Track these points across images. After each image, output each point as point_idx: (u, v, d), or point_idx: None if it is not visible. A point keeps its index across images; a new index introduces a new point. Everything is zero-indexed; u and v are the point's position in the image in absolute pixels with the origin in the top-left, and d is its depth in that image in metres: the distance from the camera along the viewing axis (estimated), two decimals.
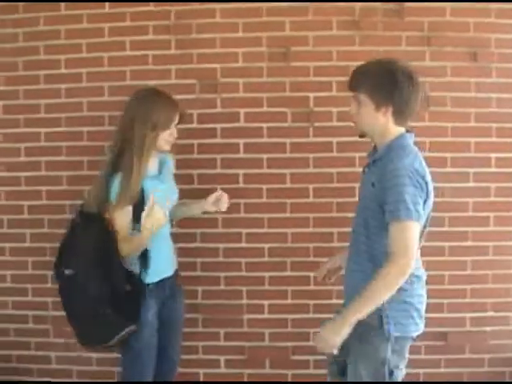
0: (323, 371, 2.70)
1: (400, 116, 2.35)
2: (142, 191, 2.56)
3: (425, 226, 2.37)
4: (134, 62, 3.36)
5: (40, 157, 3.45)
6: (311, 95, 3.32)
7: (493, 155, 3.33)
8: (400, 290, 2.27)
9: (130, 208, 2.56)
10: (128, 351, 2.69)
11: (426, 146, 3.30)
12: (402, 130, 2.39)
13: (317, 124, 3.33)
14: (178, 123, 2.68)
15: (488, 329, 3.41)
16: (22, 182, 3.47)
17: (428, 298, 3.18)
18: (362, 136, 2.49)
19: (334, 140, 3.33)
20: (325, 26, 3.30)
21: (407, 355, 2.42)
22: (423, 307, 2.44)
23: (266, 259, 3.37)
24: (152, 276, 2.66)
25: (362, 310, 2.23)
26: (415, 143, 2.41)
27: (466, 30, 3.28)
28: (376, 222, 2.33)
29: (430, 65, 3.28)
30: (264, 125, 3.35)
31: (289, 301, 3.40)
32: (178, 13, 3.32)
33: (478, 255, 3.37)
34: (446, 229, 3.33)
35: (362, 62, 2.96)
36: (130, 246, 2.57)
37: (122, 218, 2.56)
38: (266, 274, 3.36)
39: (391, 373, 2.35)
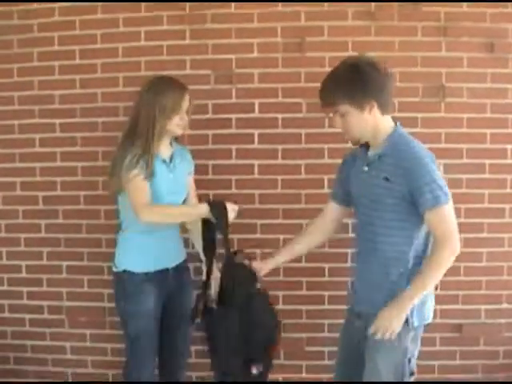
0: None
1: (384, 106, 2.35)
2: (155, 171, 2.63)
3: None
4: (148, 52, 3.35)
5: (55, 148, 3.45)
6: None
7: (509, 146, 3.31)
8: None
9: (147, 183, 2.60)
10: (127, 339, 2.77)
11: (442, 137, 3.29)
12: (390, 120, 2.40)
13: (331, 115, 3.30)
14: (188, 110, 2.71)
15: (503, 321, 3.40)
16: (36, 173, 3.47)
17: (443, 289, 3.21)
18: (356, 144, 2.47)
19: None
20: (340, 16, 3.28)
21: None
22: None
23: None
24: (151, 264, 2.72)
25: (418, 296, 2.29)
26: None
27: (482, 21, 3.25)
28: (393, 215, 2.33)
29: (446, 55, 3.26)
30: (279, 115, 3.34)
31: (303, 292, 3.40)
32: (192, 3, 3.31)
33: (494, 247, 3.36)
34: (461, 220, 3.26)
35: (377, 53, 3.01)
36: (161, 212, 2.65)
37: (139, 186, 2.58)
38: (281, 265, 3.36)
39: (409, 361, 2.38)
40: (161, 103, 2.60)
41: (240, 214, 3.33)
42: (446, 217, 2.27)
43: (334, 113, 2.39)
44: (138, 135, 2.62)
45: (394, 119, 2.43)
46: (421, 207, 2.26)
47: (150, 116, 2.60)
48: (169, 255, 2.81)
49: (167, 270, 2.78)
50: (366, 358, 2.41)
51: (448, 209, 2.27)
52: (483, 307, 3.40)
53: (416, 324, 2.35)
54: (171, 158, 2.76)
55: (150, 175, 2.60)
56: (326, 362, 3.36)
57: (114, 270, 2.79)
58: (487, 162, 3.31)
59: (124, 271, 2.72)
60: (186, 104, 2.67)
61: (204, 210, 2.62)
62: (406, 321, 2.31)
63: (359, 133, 2.38)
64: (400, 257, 2.35)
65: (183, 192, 2.83)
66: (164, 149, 2.73)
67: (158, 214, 2.64)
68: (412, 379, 2.42)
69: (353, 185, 2.53)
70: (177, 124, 2.67)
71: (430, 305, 2.45)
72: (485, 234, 3.34)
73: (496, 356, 3.43)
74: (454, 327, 3.39)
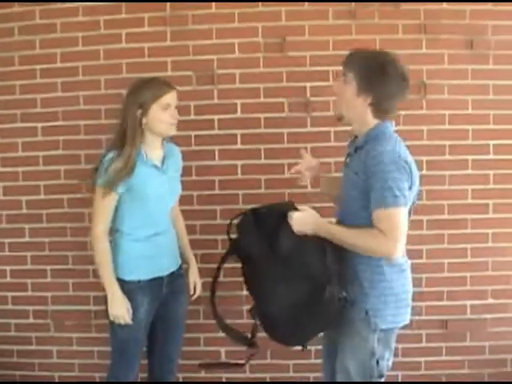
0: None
1: (378, 109, 2.33)
2: (135, 175, 2.55)
3: (412, 203, 2.36)
4: (130, 54, 3.34)
5: (37, 151, 3.44)
6: (308, 85, 3.32)
7: (491, 142, 3.33)
8: (383, 282, 2.32)
9: (116, 197, 2.57)
10: (114, 343, 2.74)
11: (424, 134, 3.31)
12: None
13: (314, 114, 3.33)
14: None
15: (488, 316, 3.41)
16: (19, 177, 3.46)
17: (428, 286, 3.22)
18: (339, 119, 2.45)
19: (332, 129, 3.32)
20: (321, 15, 3.29)
21: (393, 346, 2.42)
22: (409, 296, 2.43)
23: None
24: (144, 273, 2.66)
25: (333, 239, 2.29)
26: (395, 131, 2.40)
27: (462, 18, 3.27)
28: (353, 212, 2.35)
29: (427, 52, 3.28)
30: (261, 115, 3.34)
31: None
32: (173, 4, 3.31)
33: (478, 243, 3.37)
34: (445, 216, 3.34)
35: None
36: (96, 253, 2.63)
37: (103, 202, 2.57)
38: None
39: (377, 363, 2.36)
40: (139, 98, 2.55)
41: (223, 214, 3.37)
42: (391, 219, 2.21)
43: (343, 74, 2.37)
44: (124, 136, 2.57)
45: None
46: (370, 206, 2.25)
47: (133, 113, 2.54)
48: (164, 263, 2.73)
49: (161, 278, 2.71)
50: (337, 357, 2.43)
51: (396, 212, 2.21)
52: (468, 303, 3.41)
53: (382, 326, 2.32)
54: (163, 160, 2.70)
55: (129, 172, 2.53)
56: (313, 360, 3.36)
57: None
58: (470, 158, 3.33)
59: (116, 279, 2.63)
60: (173, 101, 2.61)
61: (113, 294, 2.60)
62: (368, 321, 2.31)
63: (344, 108, 2.39)
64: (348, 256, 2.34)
65: (178, 191, 2.80)
66: (155, 151, 2.67)
67: (95, 251, 2.63)
68: (382, 380, 2.40)
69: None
70: (169, 123, 2.60)
71: (403, 309, 2.40)
72: (469, 230, 3.36)
73: (482, 351, 3.44)
74: (440, 323, 3.39)
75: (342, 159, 3.25)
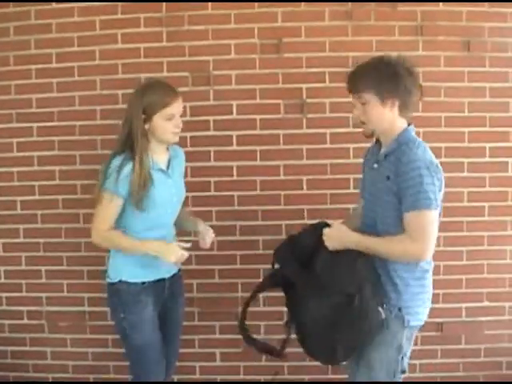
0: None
1: (405, 108, 2.38)
2: (152, 180, 2.50)
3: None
4: (125, 55, 3.34)
5: (32, 152, 3.43)
6: (304, 86, 3.31)
7: (487, 145, 3.32)
8: (416, 280, 2.40)
9: (122, 201, 2.51)
10: (132, 352, 2.66)
11: (420, 136, 3.27)
12: (405, 122, 2.43)
13: (310, 115, 3.32)
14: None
15: (483, 319, 3.41)
16: (14, 178, 3.45)
17: None
18: (368, 136, 2.50)
19: (328, 131, 3.32)
20: (317, 16, 3.28)
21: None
22: (431, 296, 2.53)
23: (260, 251, 3.36)
24: (150, 274, 2.62)
25: (360, 247, 2.35)
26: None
27: (458, 20, 3.26)
28: (391, 215, 2.36)
29: (423, 54, 3.27)
30: (257, 117, 3.33)
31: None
32: (169, 4, 3.30)
33: (473, 245, 3.37)
34: (441, 219, 3.29)
35: (355, 53, 3.03)
36: (109, 241, 2.57)
37: (109, 206, 2.50)
38: (261, 267, 3.35)
39: (402, 359, 2.44)
40: (143, 103, 2.47)
41: (219, 217, 3.36)
42: (424, 222, 2.27)
43: (357, 99, 2.40)
44: (129, 138, 2.50)
45: (411, 121, 2.46)
46: (402, 208, 2.29)
47: (138, 117, 2.47)
48: (167, 265, 2.62)
49: (164, 279, 2.68)
50: (360, 354, 2.45)
51: (428, 215, 2.27)
52: (464, 305, 3.41)
53: (412, 324, 2.40)
54: (168, 163, 2.65)
55: (144, 185, 2.48)
56: (307, 363, 3.34)
57: (109, 280, 2.65)
58: (466, 160, 3.32)
59: (120, 281, 2.59)
60: (178, 110, 2.55)
61: (152, 248, 2.51)
62: (402, 319, 2.37)
63: (376, 125, 2.41)
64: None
65: (183, 193, 2.75)
66: (161, 156, 2.61)
67: (108, 241, 2.57)
68: (402, 377, 2.47)
69: (365, 179, 2.63)
70: (172, 132, 2.54)
71: (428, 308, 2.50)
72: (465, 233, 3.35)
73: (477, 354, 3.44)
74: (436, 326, 3.38)
75: (338, 161, 3.30)
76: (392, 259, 2.35)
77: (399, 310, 2.37)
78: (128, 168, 2.46)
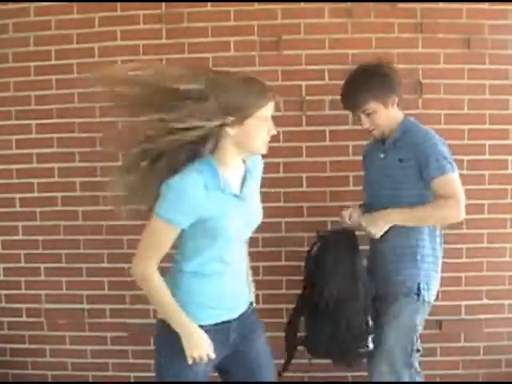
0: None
1: (400, 99, 2.67)
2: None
3: None
4: (124, 51, 3.32)
5: (31, 149, 3.42)
6: (303, 84, 3.31)
7: (487, 142, 3.32)
8: (430, 257, 2.63)
9: (179, 230, 2.05)
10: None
11: None
12: (399, 111, 2.69)
13: (309, 113, 3.31)
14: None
15: (483, 317, 3.41)
16: (13, 175, 3.44)
17: None
18: (380, 137, 2.69)
19: (327, 128, 3.31)
20: (317, 13, 3.28)
21: None
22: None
23: (260, 249, 3.35)
24: (210, 317, 2.14)
25: (397, 219, 2.54)
26: None
27: (458, 17, 3.26)
28: (408, 194, 2.56)
29: (423, 52, 3.27)
30: None
31: (283, 291, 3.40)
32: (168, 2, 3.29)
33: (473, 243, 3.36)
34: None
35: (354, 51, 3.08)
36: (149, 282, 2.07)
37: (161, 238, 2.04)
38: (261, 264, 3.34)
39: (416, 339, 2.64)
40: (237, 102, 2.01)
41: None
42: (453, 183, 2.50)
43: (362, 113, 2.61)
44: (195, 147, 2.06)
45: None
46: (428, 178, 2.50)
47: (217, 120, 2.00)
48: (234, 306, 2.21)
49: (229, 321, 2.19)
50: (376, 334, 2.58)
51: (454, 177, 2.52)
52: (463, 303, 3.41)
53: (427, 299, 2.59)
54: (243, 181, 2.17)
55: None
56: (305, 360, 3.34)
57: (160, 316, 2.17)
58: (465, 158, 3.30)
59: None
60: (271, 113, 2.11)
61: (190, 332, 2.08)
62: (418, 294, 2.53)
63: (385, 126, 2.64)
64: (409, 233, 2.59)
65: (259, 210, 2.28)
66: (234, 171, 2.14)
67: (146, 287, 2.09)
68: (418, 356, 2.67)
69: (369, 173, 2.82)
70: (265, 140, 2.11)
71: (438, 280, 2.71)
72: (464, 230, 3.32)
73: (477, 352, 3.43)
74: (435, 324, 3.37)
75: (338, 158, 3.30)
76: (429, 223, 2.56)
77: (418, 286, 2.56)
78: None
